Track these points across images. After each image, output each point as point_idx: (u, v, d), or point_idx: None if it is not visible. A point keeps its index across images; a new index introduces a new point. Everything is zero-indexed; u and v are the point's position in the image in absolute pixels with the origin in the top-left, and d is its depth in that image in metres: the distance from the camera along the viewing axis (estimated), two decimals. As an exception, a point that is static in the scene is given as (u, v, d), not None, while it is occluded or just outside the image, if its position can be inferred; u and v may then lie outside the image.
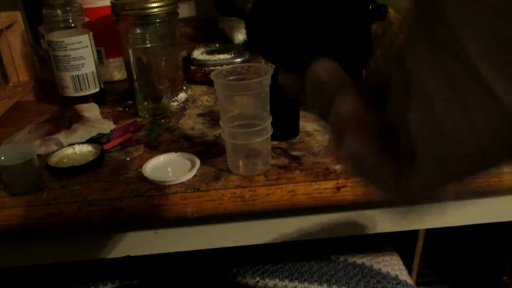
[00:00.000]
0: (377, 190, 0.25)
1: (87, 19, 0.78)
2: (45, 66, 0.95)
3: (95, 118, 0.69)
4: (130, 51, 0.69)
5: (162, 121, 0.71)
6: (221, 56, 0.86)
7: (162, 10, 0.72)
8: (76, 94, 0.76)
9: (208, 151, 0.60)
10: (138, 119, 0.72)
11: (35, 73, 0.89)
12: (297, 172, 0.53)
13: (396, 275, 0.72)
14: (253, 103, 0.52)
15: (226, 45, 0.96)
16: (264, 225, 0.56)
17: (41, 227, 0.50)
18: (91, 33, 0.75)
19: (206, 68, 0.85)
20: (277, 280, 0.70)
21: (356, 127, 0.21)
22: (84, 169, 0.56)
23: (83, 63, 0.75)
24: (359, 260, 0.74)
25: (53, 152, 0.60)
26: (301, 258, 0.74)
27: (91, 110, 0.71)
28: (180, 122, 0.70)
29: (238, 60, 0.86)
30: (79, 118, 0.68)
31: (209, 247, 0.57)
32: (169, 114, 0.73)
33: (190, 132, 0.66)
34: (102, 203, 0.50)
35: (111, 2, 0.75)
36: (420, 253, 1.14)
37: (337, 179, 0.51)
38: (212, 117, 0.71)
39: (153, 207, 0.50)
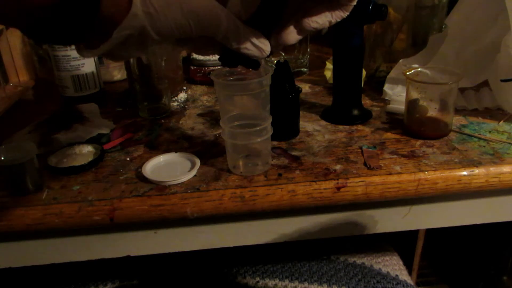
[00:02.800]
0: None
1: (87, 19, 0.78)
2: (45, 66, 0.95)
3: (95, 118, 0.69)
4: (130, 51, 0.68)
5: (162, 121, 0.71)
6: (221, 56, 0.86)
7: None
8: (76, 94, 0.76)
9: (208, 151, 0.60)
10: (138, 119, 0.72)
11: (35, 73, 0.89)
12: (297, 172, 0.53)
13: (396, 275, 0.72)
14: (253, 103, 0.52)
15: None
16: (264, 225, 0.56)
17: (41, 227, 0.50)
18: (91, 33, 0.75)
19: (206, 68, 0.85)
20: (277, 280, 0.70)
21: None
22: (84, 169, 0.56)
23: (83, 63, 0.75)
24: (359, 260, 0.74)
25: (53, 152, 0.60)
26: (301, 258, 0.74)
27: (91, 110, 0.71)
28: (180, 122, 0.70)
29: (238, 60, 0.86)
30: (79, 118, 0.68)
31: (209, 247, 0.57)
32: (169, 114, 0.73)
33: (190, 132, 0.66)
34: (102, 203, 0.50)
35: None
36: (420, 253, 1.14)
37: (337, 179, 0.51)
38: (212, 117, 0.71)
39: (153, 207, 0.50)
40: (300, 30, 0.42)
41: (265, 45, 0.41)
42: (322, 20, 0.41)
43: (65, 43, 0.35)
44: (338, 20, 0.41)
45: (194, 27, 0.35)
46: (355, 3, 0.40)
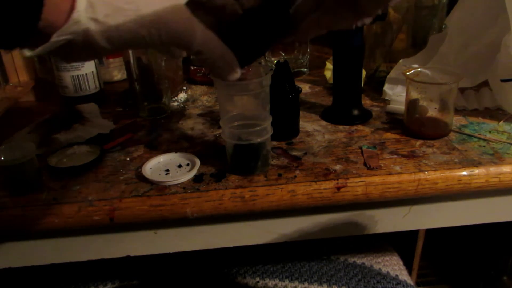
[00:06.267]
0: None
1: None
2: (45, 66, 0.94)
3: (95, 118, 0.69)
4: (130, 51, 0.69)
5: (162, 121, 0.71)
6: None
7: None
8: (76, 94, 0.76)
9: (208, 151, 0.60)
10: (138, 119, 0.72)
11: (35, 73, 0.89)
12: (297, 172, 0.53)
13: (396, 275, 0.72)
14: (253, 103, 0.52)
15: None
16: (264, 225, 0.56)
17: (41, 227, 0.50)
18: (91, 33, 0.75)
19: (206, 68, 0.85)
20: (277, 280, 0.70)
21: None
22: (84, 169, 0.56)
23: (83, 63, 0.75)
24: (359, 260, 0.74)
25: (53, 152, 0.60)
26: (301, 258, 0.74)
27: (91, 110, 0.71)
28: (180, 122, 0.70)
29: (238, 60, 0.86)
30: (79, 118, 0.68)
31: (209, 247, 0.57)
32: (169, 114, 0.73)
33: (190, 132, 0.66)
34: (102, 203, 0.50)
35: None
36: (420, 253, 1.14)
37: (337, 179, 0.51)
38: (212, 117, 0.71)
39: (153, 207, 0.50)
40: (319, 29, 0.42)
41: (237, 67, 0.40)
42: (346, 24, 0.41)
43: (7, 47, 0.34)
44: (360, 26, 0.41)
45: (161, 38, 0.34)
46: (380, 12, 0.40)
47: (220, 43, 0.38)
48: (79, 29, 0.32)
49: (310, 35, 0.44)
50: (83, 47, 0.34)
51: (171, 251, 0.57)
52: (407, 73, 0.60)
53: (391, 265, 0.75)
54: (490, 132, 0.61)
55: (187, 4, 0.37)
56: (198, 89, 0.84)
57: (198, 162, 0.55)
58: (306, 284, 0.69)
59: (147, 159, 0.57)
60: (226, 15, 0.42)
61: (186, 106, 0.76)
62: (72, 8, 0.32)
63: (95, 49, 0.34)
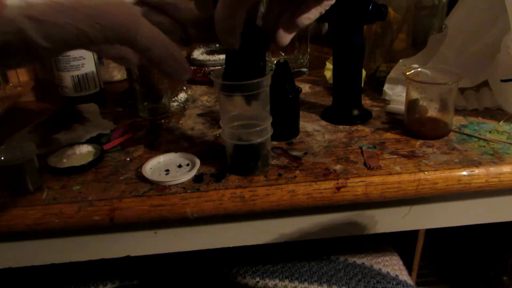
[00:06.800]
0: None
1: (87, 19, 0.78)
2: (45, 66, 0.94)
3: (95, 118, 0.69)
4: (130, 51, 0.68)
5: (162, 121, 0.71)
6: (221, 56, 0.86)
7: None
8: (76, 94, 0.76)
9: (208, 151, 0.60)
10: (138, 119, 0.72)
11: (35, 73, 0.89)
12: (297, 172, 0.53)
13: (396, 275, 0.72)
14: (253, 103, 0.52)
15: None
16: (264, 225, 0.56)
17: (41, 227, 0.50)
18: (91, 33, 0.75)
19: (206, 68, 0.85)
20: (277, 280, 0.70)
21: None
22: (84, 169, 0.56)
23: (83, 63, 0.75)
24: (359, 260, 0.74)
25: (53, 152, 0.60)
26: (301, 258, 0.74)
27: (91, 110, 0.71)
28: (180, 122, 0.70)
29: (238, 60, 0.86)
30: (79, 118, 0.68)
31: (209, 247, 0.57)
32: (169, 114, 0.73)
33: (190, 132, 0.66)
34: (102, 203, 0.50)
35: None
36: (420, 253, 1.14)
37: (337, 179, 0.51)
38: (212, 117, 0.71)
39: (153, 207, 0.50)
40: (292, 29, 0.43)
41: (187, 65, 0.38)
42: (313, 15, 0.42)
43: None
44: (327, 8, 0.42)
45: (105, 34, 0.32)
46: None
47: (168, 40, 0.36)
48: (14, 28, 0.30)
49: (289, 35, 0.45)
50: (22, 48, 0.31)
51: (171, 251, 0.57)
52: (407, 73, 0.60)
53: (391, 265, 0.75)
54: (490, 132, 0.61)
55: (137, 3, 0.36)
56: (198, 89, 0.84)
57: (198, 162, 0.55)
58: (306, 284, 0.69)
59: (147, 159, 0.57)
60: (181, 13, 0.41)
61: (186, 106, 0.76)
62: (1, 5, 0.29)
63: (35, 50, 0.32)
